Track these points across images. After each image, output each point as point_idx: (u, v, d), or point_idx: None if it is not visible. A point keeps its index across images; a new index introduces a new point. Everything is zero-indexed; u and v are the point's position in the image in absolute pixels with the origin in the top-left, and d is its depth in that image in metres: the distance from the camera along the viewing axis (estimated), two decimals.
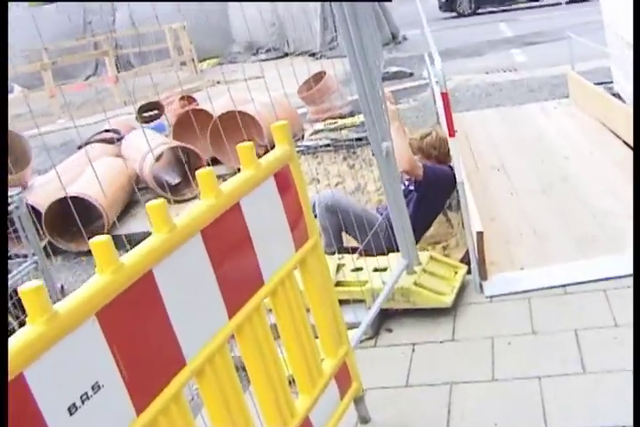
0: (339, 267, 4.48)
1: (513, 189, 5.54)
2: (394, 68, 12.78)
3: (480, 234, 4.14)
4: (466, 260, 5.32)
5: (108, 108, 14.59)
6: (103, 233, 6.74)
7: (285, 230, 2.78)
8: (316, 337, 3.00)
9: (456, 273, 4.39)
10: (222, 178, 8.11)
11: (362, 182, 6.82)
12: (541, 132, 6.76)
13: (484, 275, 4.25)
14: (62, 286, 6.08)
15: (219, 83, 15.49)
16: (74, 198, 6.51)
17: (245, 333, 2.45)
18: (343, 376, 3.15)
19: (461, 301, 4.21)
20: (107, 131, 9.33)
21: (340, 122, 8.57)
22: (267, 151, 5.99)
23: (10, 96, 17.96)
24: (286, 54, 17.51)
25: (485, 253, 4.28)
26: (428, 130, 5.69)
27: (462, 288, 4.30)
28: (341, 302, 4.20)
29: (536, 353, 3.59)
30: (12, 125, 14.90)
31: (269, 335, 2.58)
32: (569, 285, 4.10)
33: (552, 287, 4.11)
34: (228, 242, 2.40)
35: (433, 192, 5.10)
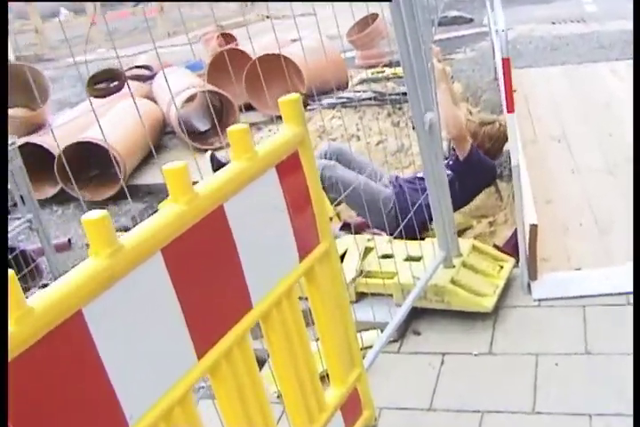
0: (366, 251, 3.90)
1: (575, 166, 4.85)
2: (453, 13, 11.91)
3: (534, 227, 3.51)
4: (513, 242, 4.73)
5: (150, 39, 13.94)
6: (118, 182, 6.26)
7: (287, 236, 2.19)
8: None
9: (501, 268, 3.78)
10: (256, 126, 7.54)
11: (406, 142, 6.17)
12: (611, 97, 5.99)
13: (533, 274, 3.64)
14: (70, 240, 5.59)
15: (268, 18, 14.71)
16: (91, 143, 5.97)
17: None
18: (352, 405, 2.58)
19: (504, 302, 3.62)
20: (138, 67, 8.72)
21: (388, 71, 7.85)
22: (305, 100, 5.29)
23: (55, 20, 17.44)
24: None
25: (538, 247, 3.67)
26: (492, 118, 5.04)
27: (507, 286, 3.70)
28: (362, 295, 3.68)
29: (588, 381, 2.99)
30: (55, 52, 14.45)
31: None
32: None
33: (612, 295, 3.49)
34: (201, 260, 1.83)
35: (468, 178, 4.46)
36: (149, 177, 6.46)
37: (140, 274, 1.61)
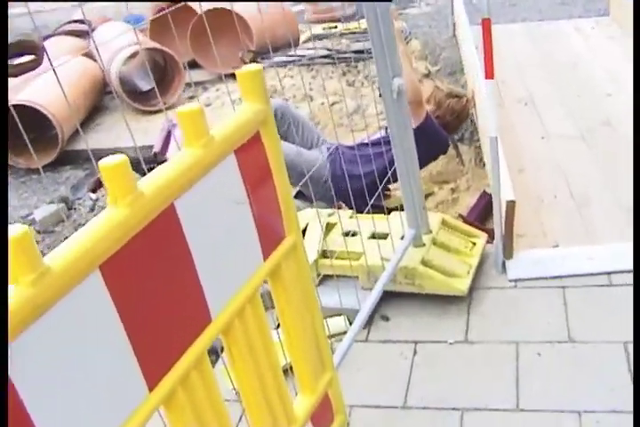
0: (328, 227, 3.59)
1: (544, 131, 4.58)
2: None
3: (511, 204, 3.22)
4: (477, 211, 4.48)
5: None
6: (56, 147, 5.83)
7: (249, 232, 1.87)
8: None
9: (474, 245, 3.51)
10: (203, 85, 7.13)
11: (362, 103, 5.85)
12: (577, 57, 5.72)
13: (509, 252, 3.37)
14: None
15: None
16: (24, 106, 5.52)
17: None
18: (323, 413, 2.31)
19: (478, 282, 3.35)
20: (75, 21, 8.19)
21: (341, 26, 7.47)
22: (255, 57, 4.86)
23: None
24: None
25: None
26: (461, 92, 4.69)
27: (479, 265, 3.43)
28: (325, 277, 3.38)
29: (574, 373, 2.75)
30: None
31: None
32: (615, 272, 3.24)
33: (593, 275, 3.25)
34: (149, 272, 1.50)
35: (418, 147, 4.04)
36: (90, 141, 6.04)
37: (71, 301, 1.28)
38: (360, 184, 3.20)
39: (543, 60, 5.77)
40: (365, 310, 2.97)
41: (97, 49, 7.24)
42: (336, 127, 5.58)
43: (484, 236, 3.56)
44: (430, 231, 3.43)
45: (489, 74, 2.93)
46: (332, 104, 5.78)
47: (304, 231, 3.57)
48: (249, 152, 1.84)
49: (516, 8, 8.00)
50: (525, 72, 5.59)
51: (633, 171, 3.75)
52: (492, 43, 2.90)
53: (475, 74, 4.62)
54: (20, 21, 9.11)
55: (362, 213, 4.25)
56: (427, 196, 4.97)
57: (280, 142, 1.97)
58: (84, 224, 3.81)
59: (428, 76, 6.18)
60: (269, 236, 1.95)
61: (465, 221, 4.18)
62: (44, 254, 1.23)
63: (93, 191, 5.20)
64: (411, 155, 3.18)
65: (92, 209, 4.80)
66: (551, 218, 3.67)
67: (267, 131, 1.90)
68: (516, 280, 3.31)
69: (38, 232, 4.74)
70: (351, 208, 3.89)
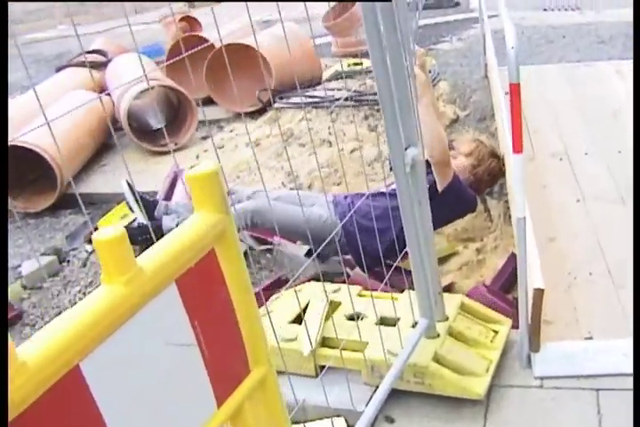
0: (332, 306, 3.18)
1: (580, 193, 4.14)
2: None
3: (539, 292, 2.79)
4: (504, 277, 4.06)
5: (116, 15, 13.08)
6: (55, 191, 5.48)
7: (197, 378, 1.47)
8: None
9: (495, 333, 3.07)
10: (217, 124, 6.78)
11: (384, 150, 5.43)
12: (618, 105, 5.26)
13: (535, 344, 2.93)
14: None
15: None
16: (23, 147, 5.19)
17: None
18: None
19: (499, 379, 2.91)
20: (92, 52, 7.91)
21: (367, 63, 7.07)
22: (272, 97, 4.42)
23: None
24: None
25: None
26: (472, 144, 4.29)
27: (501, 357, 2.99)
28: (322, 368, 2.96)
29: None
30: (14, 27, 13.53)
31: None
32: None
33: (631, 376, 2.79)
34: None
35: (442, 209, 3.52)
36: (94, 184, 5.69)
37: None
38: (375, 241, 2.82)
39: (581, 107, 5.32)
40: (368, 415, 2.56)
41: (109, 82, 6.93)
42: (357, 175, 5.20)
43: (507, 323, 3.13)
44: (446, 318, 3.00)
45: (517, 147, 2.51)
46: (352, 151, 5.39)
47: (305, 310, 3.17)
48: (198, 278, 1.44)
49: (552, 46, 7.57)
50: (561, 121, 5.15)
51: (633, 181, 3.31)
52: (520, 111, 2.49)
53: (502, 127, 4.21)
54: (45, 47, 8.87)
55: (376, 275, 3.86)
56: (450, 256, 4.57)
57: (242, 258, 1.56)
58: (73, 281, 3.35)
59: (456, 121, 5.77)
60: (226, 376, 1.55)
61: (489, 290, 3.78)
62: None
63: (90, 242, 4.83)
64: (425, 234, 2.76)
65: (85, 264, 4.43)
66: (585, 301, 3.22)
67: (225, 246, 1.50)
68: (542, 378, 2.87)
69: (24, 288, 4.38)
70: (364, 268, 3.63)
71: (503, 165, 4.23)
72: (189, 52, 2.08)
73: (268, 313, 3.19)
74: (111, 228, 1.27)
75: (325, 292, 3.18)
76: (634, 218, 3.08)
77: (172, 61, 2.00)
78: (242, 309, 1.56)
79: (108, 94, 6.72)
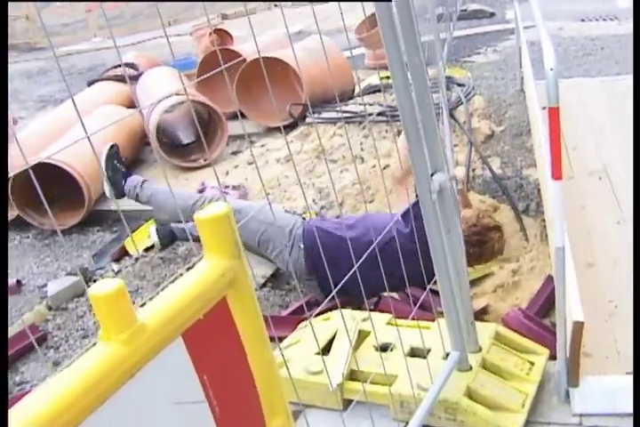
0: (360, 336, 3.06)
1: (621, 214, 3.97)
2: (474, 6, 10.96)
3: (579, 325, 2.64)
4: (541, 301, 3.91)
5: (150, 27, 13.09)
6: (83, 207, 5.41)
7: None
8: None
9: (532, 365, 2.93)
10: (249, 138, 6.68)
11: None
12: None
13: (574, 379, 2.78)
14: (19, 281, 4.76)
15: (276, 6, 13.82)
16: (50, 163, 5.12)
17: None
18: None
19: (535, 414, 2.76)
20: (121, 66, 7.87)
21: None
22: (303, 111, 4.31)
23: (53, 5, 16.57)
24: None
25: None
26: (495, 224, 4.11)
27: (538, 390, 2.85)
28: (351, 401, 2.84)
29: None
30: (47, 41, 13.58)
31: None
32: None
33: None
34: None
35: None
36: (122, 200, 5.60)
37: None
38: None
39: (621, 123, 5.14)
40: None
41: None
42: (389, 193, 5.08)
43: (544, 353, 2.98)
44: (479, 349, 2.87)
45: (556, 173, 2.37)
46: (385, 167, 5.26)
47: (332, 340, 3.05)
48: (207, 330, 1.33)
49: (590, 58, 7.39)
50: (600, 137, 4.98)
51: (633, 182, 3.14)
52: (559, 136, 2.36)
53: (539, 145, 4.06)
54: (78, 59, 8.85)
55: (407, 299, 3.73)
56: (484, 277, 4.43)
57: (257, 305, 1.45)
58: None
59: (491, 137, 5.62)
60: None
61: (525, 315, 3.63)
62: None
63: (117, 260, 4.76)
64: (455, 263, 2.63)
65: None
66: (626, 332, 3.06)
67: (237, 294, 1.39)
68: (581, 415, 2.72)
69: (49, 308, 4.30)
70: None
71: (497, 239, 4.02)
72: (220, 68, 1.97)
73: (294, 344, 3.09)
74: (108, 281, 1.17)
75: (352, 321, 3.07)
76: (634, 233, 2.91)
77: (202, 78, 1.92)
78: (256, 358, 1.45)
79: (137, 108, 6.66)
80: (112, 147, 4.63)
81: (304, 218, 4.20)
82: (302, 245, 3.94)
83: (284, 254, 4.02)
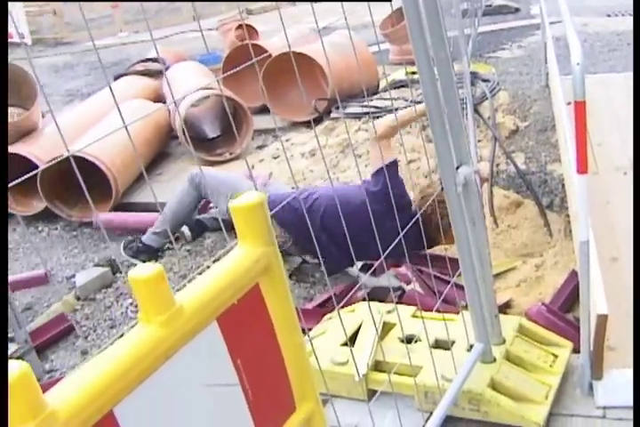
0: (385, 328, 3.09)
1: None
2: (499, 1, 10.92)
3: (603, 318, 2.66)
4: (565, 296, 3.92)
5: (174, 22, 13.15)
6: (110, 200, 5.48)
7: (239, 421, 1.40)
8: None
9: (555, 357, 2.95)
10: (273, 133, 6.73)
11: None
12: None
13: (597, 372, 2.80)
14: (47, 273, 4.83)
15: (301, 0, 13.82)
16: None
17: None
18: None
19: (559, 407, 2.79)
20: (149, 60, 7.93)
21: None
22: (329, 106, 4.33)
23: None
24: None
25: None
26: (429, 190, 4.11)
27: (561, 383, 2.87)
28: (375, 391, 2.87)
29: None
30: (75, 35, 13.71)
31: None
32: None
33: None
34: None
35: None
36: (149, 193, 5.68)
37: None
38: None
39: None
40: None
41: (169, 89, 6.93)
42: (414, 188, 5.10)
43: (568, 346, 3.01)
44: (503, 341, 2.90)
45: (581, 167, 2.40)
46: (410, 162, 5.29)
47: (357, 332, 3.09)
48: (241, 315, 1.37)
49: (616, 54, 7.36)
50: (626, 133, 4.97)
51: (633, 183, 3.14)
52: (585, 130, 2.38)
53: (564, 140, 4.07)
54: (104, 54, 8.94)
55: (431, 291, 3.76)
56: (508, 271, 4.45)
57: (288, 291, 1.49)
58: (125, 294, 3.31)
59: (516, 132, 5.63)
60: (271, 415, 1.48)
61: (549, 309, 3.65)
62: None
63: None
64: (479, 255, 2.66)
65: None
66: None
67: (270, 280, 1.43)
68: (605, 408, 2.74)
69: (78, 299, 4.37)
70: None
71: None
72: (249, 62, 2.00)
73: (320, 335, 3.13)
74: (148, 265, 1.21)
75: (377, 313, 3.10)
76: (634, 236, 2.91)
77: (231, 72, 1.93)
78: (287, 344, 1.49)
79: (165, 103, 6.73)
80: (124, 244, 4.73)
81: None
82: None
83: None
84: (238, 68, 2.15)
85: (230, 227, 1.35)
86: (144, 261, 4.46)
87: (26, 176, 1.38)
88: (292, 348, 1.49)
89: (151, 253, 4.56)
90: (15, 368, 1.02)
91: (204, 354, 1.30)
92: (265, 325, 1.43)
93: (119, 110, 1.50)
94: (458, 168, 2.50)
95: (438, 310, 2.80)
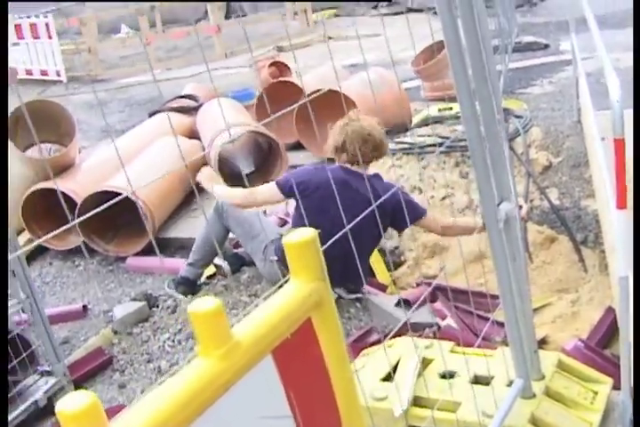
0: (423, 363, 3.10)
1: None
2: (529, 38, 10.98)
3: None
4: (602, 332, 3.91)
5: (207, 59, 13.33)
6: (146, 235, 5.54)
7: None
8: None
9: (595, 394, 2.94)
10: None
11: (475, 198, 5.36)
12: None
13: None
14: (85, 306, 4.89)
15: (331, 38, 13.99)
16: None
17: None
18: None
19: None
20: (183, 97, 8.05)
21: (456, 108, 7.01)
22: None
23: (114, 36, 16.99)
24: (409, 10, 15.73)
25: None
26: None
27: (603, 420, 2.86)
28: None
29: None
30: (109, 72, 13.95)
31: None
32: None
33: None
34: None
35: None
36: (184, 228, 5.74)
37: None
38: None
39: None
40: None
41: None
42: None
43: (608, 382, 2.99)
44: (542, 377, 2.89)
45: (621, 203, 2.42)
46: (443, 198, 5.32)
47: (396, 367, 3.09)
48: (294, 348, 1.39)
49: None
50: None
51: (633, 184, 3.12)
52: (624, 166, 2.40)
53: (599, 176, 4.09)
54: (137, 91, 9.05)
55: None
56: (543, 307, 4.45)
57: (339, 325, 1.52)
58: (162, 328, 3.34)
59: (549, 168, 5.65)
60: None
61: (587, 346, 3.64)
62: None
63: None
64: (520, 291, 2.67)
65: (174, 311, 4.44)
66: None
67: (321, 314, 1.45)
68: None
69: (115, 333, 4.41)
70: None
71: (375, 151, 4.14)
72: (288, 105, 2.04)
73: (357, 370, 3.14)
74: (207, 299, 1.25)
75: (415, 348, 3.11)
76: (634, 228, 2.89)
77: (283, 112, 1.96)
78: (338, 377, 1.51)
79: (199, 139, 6.82)
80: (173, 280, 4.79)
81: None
82: (275, 258, 4.20)
83: (261, 267, 4.40)
84: (287, 110, 2.18)
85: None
86: (184, 295, 4.52)
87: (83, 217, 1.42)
88: (343, 381, 1.51)
89: (188, 286, 4.60)
90: (84, 399, 1.05)
91: (260, 387, 1.33)
92: (317, 358, 1.45)
93: (176, 138, 1.55)
94: (499, 204, 2.52)
95: (479, 346, 2.81)
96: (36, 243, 5.51)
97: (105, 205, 1.52)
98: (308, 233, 1.42)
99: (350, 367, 1.54)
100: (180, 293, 4.55)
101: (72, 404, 1.06)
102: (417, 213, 4.05)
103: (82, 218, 1.51)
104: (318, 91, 6.27)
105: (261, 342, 1.31)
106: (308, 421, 1.44)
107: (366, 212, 2.18)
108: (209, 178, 4.61)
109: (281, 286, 1.45)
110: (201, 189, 4.76)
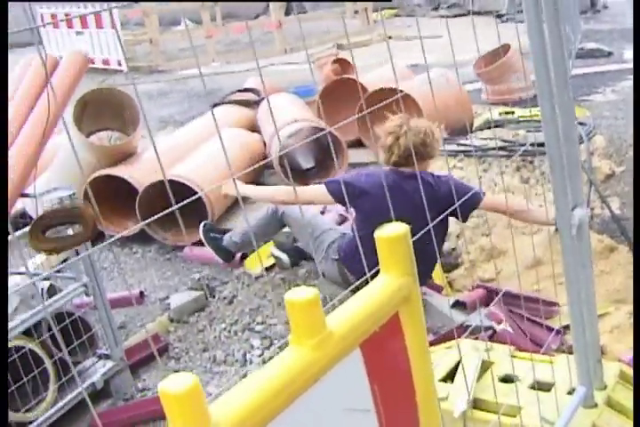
0: (484, 366, 3.09)
1: None
2: (591, 45, 10.85)
3: None
4: None
5: (266, 54, 13.40)
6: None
7: None
8: None
9: None
10: (366, 167, 6.78)
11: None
12: None
13: None
14: (142, 293, 4.95)
15: (390, 38, 13.97)
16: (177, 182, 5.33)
17: None
18: None
19: None
20: (245, 90, 8.11)
21: (518, 112, 6.98)
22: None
23: (175, 28, 17.14)
24: (470, 12, 15.65)
25: None
26: (397, 121, 4.18)
27: None
28: None
29: None
30: (169, 63, 14.08)
31: None
32: None
33: None
34: None
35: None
36: (242, 220, 5.79)
37: None
38: None
39: None
40: None
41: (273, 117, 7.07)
42: (504, 228, 5.08)
43: None
44: (604, 387, 2.87)
45: None
46: None
47: (455, 370, 3.09)
48: (381, 342, 1.41)
49: None
50: None
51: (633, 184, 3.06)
52: None
53: None
54: (197, 83, 9.13)
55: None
56: (600, 317, 4.39)
57: (424, 321, 1.52)
58: (219, 318, 3.37)
59: (611, 177, 5.59)
60: None
61: None
62: None
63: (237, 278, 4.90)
64: (588, 300, 2.65)
65: (231, 301, 4.48)
66: None
67: (409, 309, 1.47)
68: None
69: (171, 320, 4.46)
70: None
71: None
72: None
73: None
74: (305, 289, 1.26)
75: (475, 350, 3.11)
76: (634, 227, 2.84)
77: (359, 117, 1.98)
78: (419, 372, 1.52)
79: (261, 133, 6.86)
80: (205, 224, 4.98)
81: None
82: (337, 257, 4.27)
83: (321, 265, 4.42)
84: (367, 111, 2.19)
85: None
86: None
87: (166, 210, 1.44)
88: (423, 377, 1.52)
89: (226, 253, 4.86)
90: (187, 380, 1.08)
91: (347, 379, 1.34)
92: (401, 353, 1.46)
93: (220, 137, 1.56)
94: (573, 209, 2.51)
95: (543, 353, 2.80)
96: (118, 235, 5.56)
97: (186, 201, 1.53)
98: (400, 228, 1.43)
99: (431, 364, 1.54)
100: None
101: (175, 385, 1.08)
102: (474, 197, 3.97)
103: (160, 214, 1.52)
104: (382, 89, 6.35)
105: (352, 334, 1.32)
106: (389, 415, 1.45)
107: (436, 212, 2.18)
108: (230, 187, 4.69)
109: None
110: (260, 184, 4.82)
